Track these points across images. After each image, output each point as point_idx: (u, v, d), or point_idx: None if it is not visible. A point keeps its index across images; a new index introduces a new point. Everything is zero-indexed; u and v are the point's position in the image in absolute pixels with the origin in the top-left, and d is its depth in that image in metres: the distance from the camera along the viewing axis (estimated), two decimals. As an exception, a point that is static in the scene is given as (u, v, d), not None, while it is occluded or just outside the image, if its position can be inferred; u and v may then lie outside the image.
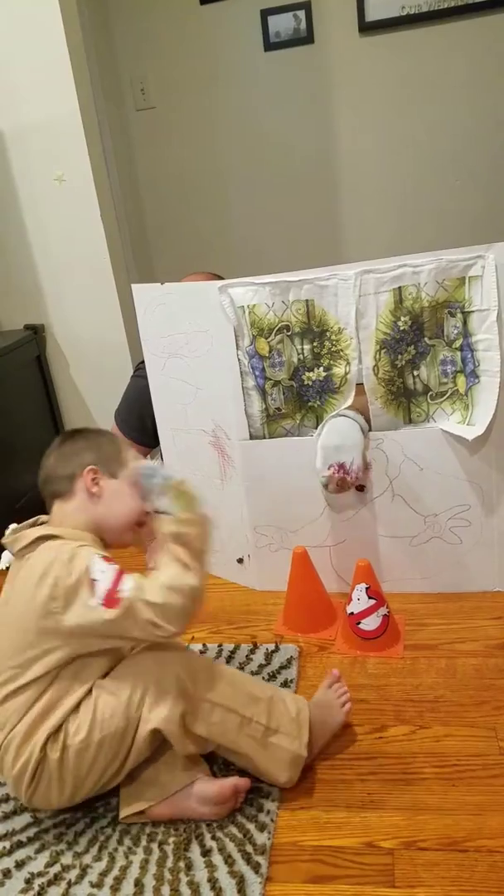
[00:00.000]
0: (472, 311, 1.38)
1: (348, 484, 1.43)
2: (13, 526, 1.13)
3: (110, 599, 1.01)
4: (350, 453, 1.42)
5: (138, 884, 1.00)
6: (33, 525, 1.15)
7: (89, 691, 1.05)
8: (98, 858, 1.04)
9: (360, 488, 1.53)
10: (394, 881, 0.96)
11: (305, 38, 2.47)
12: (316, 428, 1.53)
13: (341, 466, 1.41)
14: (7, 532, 1.12)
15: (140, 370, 1.79)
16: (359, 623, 1.42)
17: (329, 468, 1.42)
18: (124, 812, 1.08)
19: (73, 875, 1.02)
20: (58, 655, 1.02)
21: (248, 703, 1.09)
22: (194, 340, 1.55)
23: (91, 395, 2.26)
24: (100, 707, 1.03)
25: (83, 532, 1.12)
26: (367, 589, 1.41)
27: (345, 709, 1.18)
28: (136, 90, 2.65)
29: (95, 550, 1.07)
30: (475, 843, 0.99)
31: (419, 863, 0.97)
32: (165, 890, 0.98)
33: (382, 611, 1.41)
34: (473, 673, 1.32)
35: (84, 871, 1.03)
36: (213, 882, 0.98)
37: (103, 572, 1.02)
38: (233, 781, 1.07)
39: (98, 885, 1.00)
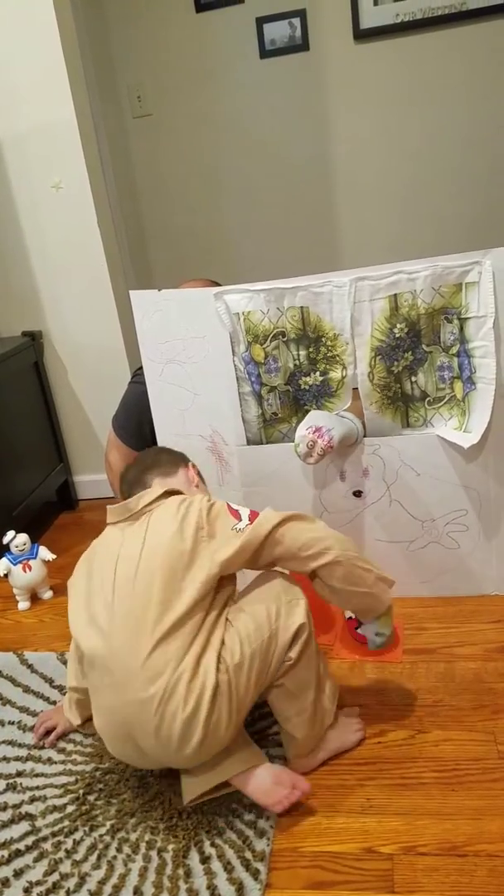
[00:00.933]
0: (469, 318, 1.38)
1: (319, 447, 1.39)
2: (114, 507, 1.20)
3: (254, 513, 1.12)
4: (329, 423, 1.42)
5: (137, 891, 1.00)
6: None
7: (226, 617, 1.09)
8: (97, 866, 1.04)
9: (358, 494, 1.53)
10: (393, 886, 0.96)
11: (301, 45, 2.49)
12: None
13: (318, 429, 1.40)
14: (113, 507, 1.20)
15: (138, 376, 1.80)
16: (357, 628, 1.41)
17: (306, 429, 1.41)
18: (187, 798, 1.07)
19: (71, 884, 1.02)
20: (204, 586, 1.05)
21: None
22: (191, 346, 1.55)
23: (89, 402, 2.26)
24: (241, 627, 1.06)
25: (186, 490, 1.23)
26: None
27: (357, 735, 1.20)
28: (132, 97, 2.66)
29: (222, 501, 1.16)
30: (475, 848, 0.99)
31: (419, 868, 0.97)
32: (165, 897, 0.98)
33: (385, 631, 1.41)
34: (472, 677, 1.32)
35: (83, 879, 1.02)
36: (212, 889, 0.98)
37: (240, 508, 1.14)
38: (291, 777, 1.08)
39: (97, 893, 1.00)
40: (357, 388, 1.48)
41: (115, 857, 1.05)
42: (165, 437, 1.72)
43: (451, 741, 1.18)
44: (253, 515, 1.12)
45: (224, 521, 1.11)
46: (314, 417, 1.45)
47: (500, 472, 1.46)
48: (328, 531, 1.15)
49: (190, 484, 1.27)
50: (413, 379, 1.48)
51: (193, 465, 1.31)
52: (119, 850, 1.07)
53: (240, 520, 1.10)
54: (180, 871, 1.02)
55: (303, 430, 1.41)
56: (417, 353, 1.45)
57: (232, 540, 1.08)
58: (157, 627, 1.01)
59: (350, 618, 1.43)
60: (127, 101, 2.67)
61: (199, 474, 1.31)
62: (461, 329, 1.40)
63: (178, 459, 1.31)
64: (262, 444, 1.55)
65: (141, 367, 1.71)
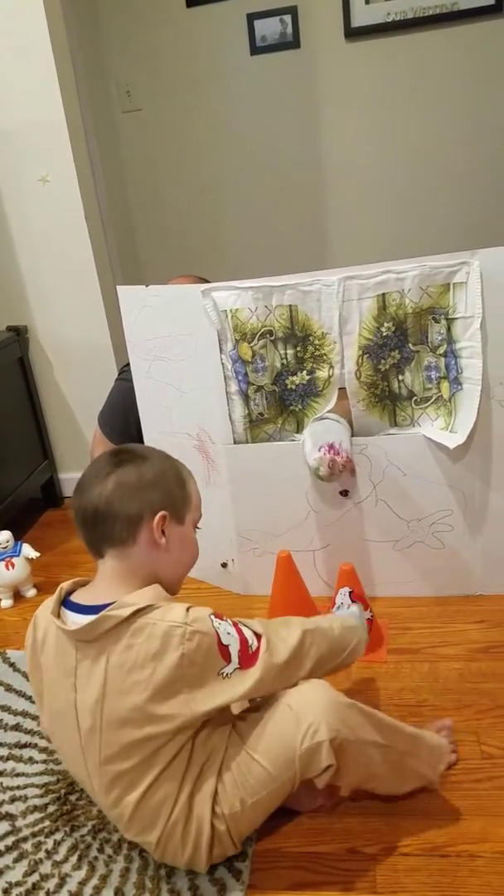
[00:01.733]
0: (457, 318, 1.39)
1: (339, 465, 1.39)
2: (48, 604, 0.98)
3: (246, 661, 0.93)
4: (338, 435, 1.42)
5: (118, 892, 0.99)
6: (68, 593, 0.99)
7: (221, 760, 0.96)
8: (77, 867, 1.03)
9: (345, 493, 1.53)
10: (376, 887, 0.96)
11: (292, 42, 2.48)
12: (297, 432, 1.54)
13: (331, 447, 1.40)
14: (53, 616, 0.96)
15: (124, 373, 1.79)
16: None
17: (320, 449, 1.40)
18: None
19: (51, 884, 1.01)
20: (179, 738, 0.92)
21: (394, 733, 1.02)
22: (179, 344, 1.54)
23: (75, 398, 2.24)
24: (241, 778, 0.95)
25: (155, 588, 0.96)
26: (350, 593, 1.41)
27: (453, 757, 1.13)
28: (122, 92, 2.64)
29: (205, 609, 0.94)
30: (456, 848, 0.99)
31: (401, 868, 0.97)
32: (146, 898, 0.98)
33: (366, 615, 1.41)
34: (456, 677, 1.32)
35: (63, 880, 1.02)
36: (194, 889, 0.98)
37: (230, 634, 0.93)
38: None
39: (77, 893, 0.99)
40: (343, 388, 1.48)
41: (96, 858, 1.05)
42: (152, 434, 1.71)
43: (435, 741, 1.18)
44: (243, 652, 0.93)
45: (209, 665, 0.90)
46: (317, 436, 1.44)
47: (485, 472, 1.46)
48: (314, 646, 1.01)
49: (153, 550, 0.97)
50: (400, 378, 1.48)
51: (163, 515, 0.96)
52: (100, 850, 1.06)
53: (228, 662, 0.91)
54: (162, 872, 1.01)
55: (317, 453, 1.40)
56: (404, 352, 1.45)
57: (217, 689, 0.90)
58: (137, 784, 0.93)
59: (335, 617, 1.43)
60: (116, 95, 2.65)
61: (165, 520, 0.97)
62: (448, 329, 1.40)
63: (140, 508, 0.95)
64: (248, 443, 1.55)
65: (128, 364, 1.70)
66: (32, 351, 2.19)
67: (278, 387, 1.52)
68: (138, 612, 0.90)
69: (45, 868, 1.04)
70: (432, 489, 1.49)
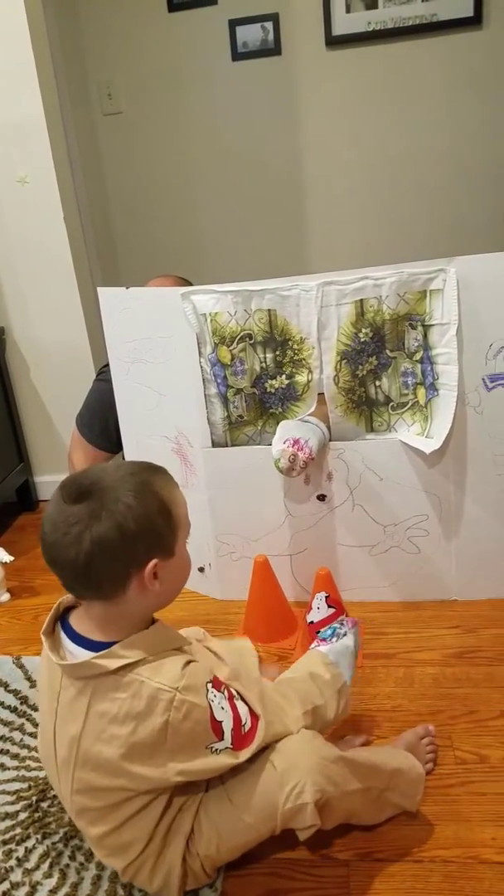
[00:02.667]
0: (433, 325, 1.40)
1: (300, 459, 1.38)
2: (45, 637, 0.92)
3: (240, 742, 0.88)
4: (306, 434, 1.42)
5: (90, 900, 0.98)
6: (67, 608, 0.94)
7: (199, 802, 0.94)
8: (49, 875, 1.02)
9: (322, 498, 1.53)
10: (349, 893, 0.96)
11: (273, 49, 2.49)
12: None
13: (296, 441, 1.39)
14: (47, 651, 0.91)
15: (103, 374, 1.77)
16: (318, 632, 1.41)
17: (284, 442, 1.40)
18: None
19: (22, 892, 0.99)
20: (153, 790, 0.89)
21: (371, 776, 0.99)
22: (158, 346, 1.54)
23: (52, 400, 2.22)
24: (221, 820, 0.92)
25: (148, 636, 0.89)
26: (326, 598, 1.41)
27: (427, 766, 1.12)
28: (102, 94, 2.63)
29: (202, 674, 0.88)
30: (430, 854, 1.00)
31: (374, 874, 0.97)
32: (118, 906, 0.97)
33: (342, 619, 1.41)
34: (431, 682, 1.33)
35: (34, 888, 1.00)
36: (166, 897, 0.97)
37: (224, 710, 0.87)
38: None
39: (48, 902, 0.98)
40: (322, 393, 1.49)
41: (67, 866, 1.03)
42: (130, 437, 1.70)
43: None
44: (237, 732, 0.88)
45: (196, 737, 0.85)
46: (287, 429, 1.44)
47: (459, 477, 1.47)
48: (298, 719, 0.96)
49: (144, 594, 0.86)
50: (377, 384, 1.49)
51: (155, 563, 0.85)
52: (72, 857, 1.04)
53: (220, 738, 0.86)
54: (134, 880, 1.00)
55: (280, 444, 1.40)
56: (381, 358, 1.46)
57: (202, 761, 0.86)
58: (107, 821, 0.90)
59: (311, 622, 1.43)
60: (97, 97, 2.64)
61: (156, 566, 0.86)
62: (425, 336, 1.41)
63: (126, 565, 0.84)
64: (227, 446, 1.54)
65: (106, 365, 1.69)
66: (9, 352, 2.17)
67: (258, 390, 1.52)
68: (127, 667, 0.84)
69: (16, 876, 1.02)
70: (408, 494, 1.49)
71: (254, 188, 2.66)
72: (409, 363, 1.46)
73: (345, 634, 1.11)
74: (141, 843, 0.91)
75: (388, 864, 0.98)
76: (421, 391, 1.46)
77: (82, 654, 0.88)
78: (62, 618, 0.94)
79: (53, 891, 0.99)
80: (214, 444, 1.54)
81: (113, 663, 0.84)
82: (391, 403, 1.50)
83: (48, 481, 2.30)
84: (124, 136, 2.67)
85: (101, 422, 1.78)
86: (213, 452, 1.54)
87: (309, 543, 1.58)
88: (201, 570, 1.68)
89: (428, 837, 1.02)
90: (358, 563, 1.57)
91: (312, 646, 1.12)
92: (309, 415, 1.50)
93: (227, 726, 0.87)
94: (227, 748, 0.87)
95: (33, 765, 1.23)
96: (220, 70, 2.54)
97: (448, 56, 2.41)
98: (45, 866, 1.03)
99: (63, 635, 0.92)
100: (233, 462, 1.54)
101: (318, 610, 1.41)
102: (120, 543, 0.82)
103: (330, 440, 1.50)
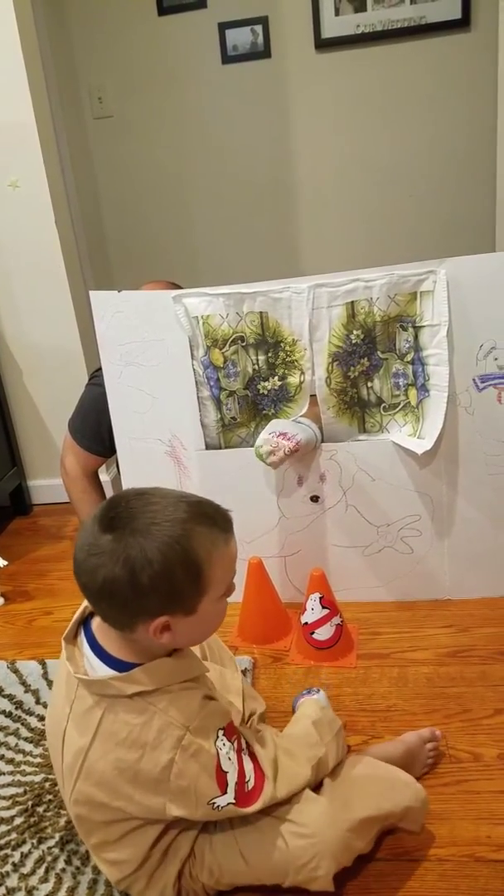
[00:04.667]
0: (424, 326, 1.40)
1: (284, 447, 1.38)
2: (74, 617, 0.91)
3: (243, 800, 0.86)
4: (294, 429, 1.42)
5: (86, 904, 0.98)
6: (80, 621, 0.91)
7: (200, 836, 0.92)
8: (45, 880, 1.02)
9: (315, 499, 1.54)
10: (344, 892, 0.95)
11: (262, 52, 2.50)
12: None
13: (283, 433, 1.40)
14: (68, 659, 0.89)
15: (95, 377, 1.77)
16: (312, 633, 1.42)
17: (270, 434, 1.41)
18: None
19: (18, 897, 0.99)
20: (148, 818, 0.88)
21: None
22: (151, 349, 1.54)
23: (45, 404, 2.22)
24: (227, 862, 0.91)
25: (170, 663, 0.86)
26: (320, 598, 1.42)
27: (424, 770, 1.12)
28: (93, 98, 2.63)
29: (217, 717, 0.85)
30: (425, 853, 1.00)
31: (370, 874, 0.97)
32: (114, 909, 0.97)
33: (336, 620, 1.42)
34: (425, 682, 1.34)
35: (30, 893, 1.00)
36: (163, 900, 0.97)
37: (230, 761, 0.84)
38: None
39: (44, 906, 0.98)
40: (314, 395, 1.49)
41: (63, 870, 1.03)
42: (123, 441, 1.70)
43: (404, 745, 1.19)
44: (240, 788, 0.85)
45: (200, 788, 0.83)
46: (277, 424, 1.46)
47: (452, 477, 1.48)
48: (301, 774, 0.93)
49: (157, 638, 0.82)
50: (369, 385, 1.49)
51: (163, 622, 0.81)
52: (68, 862, 1.04)
53: (223, 792, 0.83)
54: (131, 883, 1.00)
55: (266, 434, 1.42)
56: (373, 359, 1.47)
57: (202, 812, 0.84)
58: (104, 835, 0.90)
59: (305, 623, 1.43)
60: (87, 101, 2.64)
61: (167, 625, 0.82)
62: (416, 337, 1.42)
63: (136, 613, 0.81)
64: (220, 448, 1.55)
65: (99, 369, 1.69)
66: (1, 356, 2.17)
67: (251, 392, 1.53)
68: (143, 694, 0.82)
69: (12, 881, 1.02)
70: (401, 495, 1.50)
71: (244, 191, 2.67)
72: (400, 364, 1.47)
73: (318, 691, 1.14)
74: (137, 860, 0.90)
75: (382, 863, 0.98)
76: (412, 392, 1.46)
77: (101, 669, 0.86)
78: (86, 622, 0.92)
79: (50, 895, 0.99)
80: (208, 447, 1.54)
81: (130, 688, 0.82)
82: (383, 404, 1.51)
83: (41, 485, 2.30)
84: (115, 139, 2.67)
85: (93, 426, 1.78)
86: (207, 455, 1.55)
87: (302, 545, 1.58)
88: (195, 572, 1.68)
89: (423, 836, 1.02)
90: (351, 563, 1.57)
91: (297, 701, 1.14)
92: (301, 416, 1.51)
93: (232, 778, 0.84)
94: (229, 804, 0.84)
95: (28, 769, 1.23)
96: (211, 73, 2.55)
97: (437, 58, 2.43)
98: (41, 871, 1.03)
99: (85, 644, 0.89)
100: (227, 464, 1.54)
101: (313, 611, 1.42)
102: (129, 594, 0.79)
103: (322, 441, 1.50)
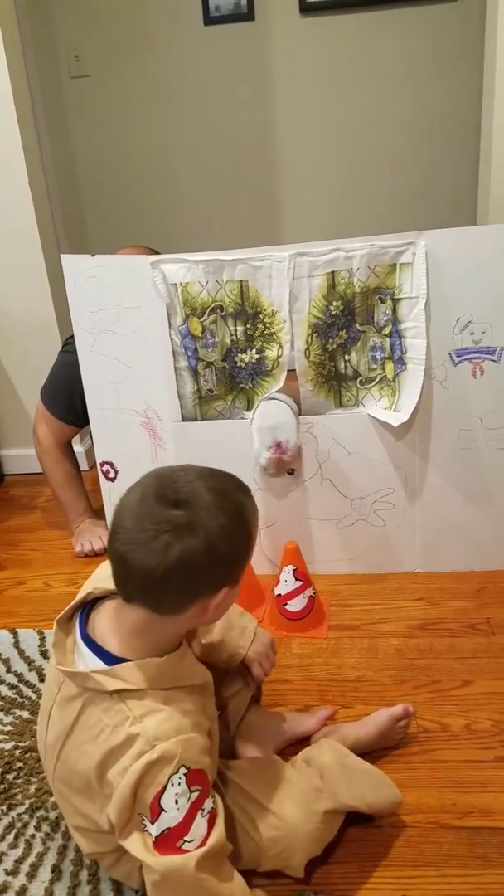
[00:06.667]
0: (402, 299, 1.40)
1: (285, 464, 1.44)
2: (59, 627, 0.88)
3: (166, 845, 0.77)
4: (284, 432, 1.43)
5: (55, 870, 0.98)
6: (78, 609, 0.90)
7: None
8: (14, 846, 1.02)
9: (291, 472, 1.53)
10: (313, 858, 0.97)
11: (246, 14, 2.43)
12: (247, 410, 1.53)
13: (278, 446, 1.42)
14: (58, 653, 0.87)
15: (69, 345, 1.74)
16: (285, 604, 1.43)
17: (269, 450, 1.43)
18: None
19: (-14, 863, 0.99)
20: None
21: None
22: (126, 317, 1.51)
23: (17, 372, 2.18)
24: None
25: (163, 665, 0.83)
26: (294, 571, 1.42)
27: (394, 744, 1.13)
28: (70, 57, 2.55)
29: (192, 755, 0.78)
30: (391, 820, 1.02)
31: (335, 840, 0.98)
32: (84, 874, 0.97)
33: (308, 592, 1.43)
34: (394, 653, 1.35)
35: (-1, 859, 1.00)
36: (132, 865, 0.97)
37: (178, 805, 0.77)
38: None
39: (13, 872, 0.98)
40: (292, 370, 1.48)
41: (33, 836, 1.03)
42: (97, 411, 1.68)
43: (373, 715, 1.21)
44: (170, 835, 0.76)
45: (144, 796, 0.77)
46: (265, 432, 1.44)
47: (425, 451, 1.49)
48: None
49: (194, 618, 0.83)
50: (346, 358, 1.49)
51: (227, 590, 0.82)
52: (38, 828, 1.05)
53: (152, 821, 0.76)
54: (100, 849, 1.00)
55: (266, 453, 1.43)
56: (351, 331, 1.46)
57: (132, 824, 0.79)
58: (83, 809, 0.86)
59: (279, 594, 1.44)
60: (64, 60, 2.56)
61: (223, 595, 0.82)
62: (394, 310, 1.41)
63: (192, 597, 0.80)
64: (196, 420, 1.53)
65: (72, 336, 1.65)
66: (-28, 322, 2.12)
67: (228, 363, 1.51)
68: (123, 693, 0.80)
69: (-20, 848, 1.02)
70: (375, 468, 1.50)
71: (224, 155, 2.61)
72: (377, 337, 1.46)
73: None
74: (110, 840, 0.85)
75: (349, 829, 1.00)
76: (389, 365, 1.46)
77: (90, 659, 0.84)
78: (83, 610, 0.90)
79: (19, 861, 1.00)
80: (184, 419, 1.53)
81: (111, 684, 0.80)
82: (360, 378, 1.50)
83: (14, 455, 2.27)
84: (92, 100, 2.59)
85: (66, 395, 1.75)
86: (183, 426, 1.53)
87: (278, 517, 1.58)
88: (169, 543, 1.67)
89: (390, 803, 1.04)
90: (325, 536, 1.58)
91: None
92: (277, 391, 1.50)
93: (165, 821, 0.76)
94: (149, 836, 0.77)
95: (-2, 737, 1.22)
96: (192, 35, 2.48)
97: (423, 27, 2.38)
98: (11, 837, 1.03)
99: (77, 632, 0.87)
100: (203, 436, 1.53)
101: (286, 583, 1.42)
102: (206, 565, 0.78)
103: (300, 414, 1.49)
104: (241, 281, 1.43)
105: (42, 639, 1.47)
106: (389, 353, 1.45)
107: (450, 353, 1.42)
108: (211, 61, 2.51)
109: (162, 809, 0.76)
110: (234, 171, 2.64)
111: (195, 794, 0.78)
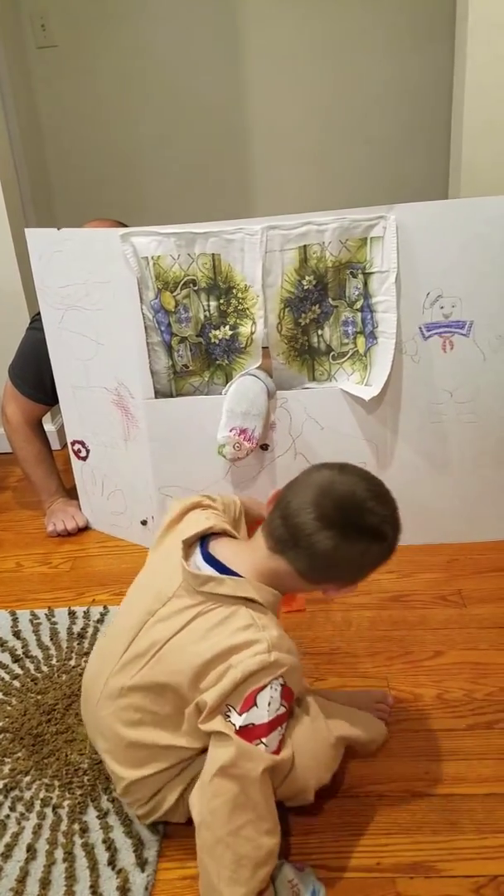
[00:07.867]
0: (373, 273, 1.39)
1: (245, 449, 1.43)
2: (176, 508, 1.03)
3: (246, 737, 0.83)
4: (254, 421, 1.42)
5: (30, 849, 0.98)
6: (201, 536, 0.98)
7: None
8: (-13, 826, 1.01)
9: (265, 447, 1.53)
10: (288, 828, 0.98)
11: (217, -19, 2.38)
12: (225, 384, 1.51)
13: (243, 431, 1.41)
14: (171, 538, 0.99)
15: (36, 321, 1.70)
16: None
17: (231, 430, 1.42)
18: None
19: (-40, 844, 0.98)
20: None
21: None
22: (95, 292, 1.48)
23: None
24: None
25: (264, 588, 0.91)
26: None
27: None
28: (35, 25, 2.47)
29: (293, 674, 0.87)
30: (365, 789, 1.03)
31: (309, 809, 0.99)
32: (59, 853, 0.97)
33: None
34: (368, 625, 1.36)
35: (-28, 839, 0.99)
36: (108, 843, 0.98)
37: (269, 707, 0.84)
38: None
39: (-13, 852, 0.97)
40: (267, 347, 1.47)
41: (7, 817, 1.03)
42: (66, 389, 1.65)
43: (347, 687, 1.22)
44: (253, 730, 0.84)
45: (239, 690, 0.84)
46: (236, 415, 1.43)
47: (395, 425, 1.49)
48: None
49: (314, 591, 0.97)
50: (319, 332, 1.48)
51: (343, 589, 0.96)
52: (12, 808, 1.04)
53: (240, 713, 0.84)
54: (76, 827, 1.00)
55: (226, 432, 1.42)
56: (324, 306, 1.45)
57: (218, 714, 0.85)
58: (145, 727, 0.92)
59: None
60: (30, 29, 2.47)
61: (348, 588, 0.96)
62: (365, 284, 1.40)
63: (354, 572, 0.95)
64: (172, 396, 1.51)
65: (40, 313, 1.62)
66: None
67: (203, 339, 1.49)
68: (250, 603, 0.89)
69: (-47, 829, 1.01)
70: (348, 442, 1.50)
71: (194, 127, 2.56)
72: (349, 312, 1.45)
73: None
74: (172, 752, 0.91)
75: (323, 799, 1.01)
76: (361, 340, 1.45)
77: (208, 572, 0.92)
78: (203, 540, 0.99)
79: (-7, 840, 0.99)
80: (158, 395, 1.51)
81: (243, 591, 0.89)
82: (332, 353, 1.50)
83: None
84: (59, 70, 2.52)
85: (35, 373, 1.71)
86: (155, 403, 1.51)
87: (252, 493, 1.57)
88: (144, 523, 1.66)
89: (363, 773, 1.05)
90: (299, 512, 1.57)
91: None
92: (256, 368, 1.49)
93: (253, 716, 0.84)
94: (232, 725, 0.83)
95: (-29, 718, 1.21)
96: (162, 2, 2.41)
97: (398, 3, 2.35)
98: (-16, 817, 1.03)
99: (199, 555, 0.96)
100: (176, 413, 1.51)
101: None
102: (357, 567, 0.94)
103: (276, 390, 1.49)
104: (213, 254, 1.41)
105: (15, 619, 1.45)
106: (361, 327, 1.44)
107: (420, 328, 1.41)
108: (181, 32, 2.45)
109: (255, 704, 0.84)
110: (204, 144, 2.59)
111: (282, 709, 0.86)
